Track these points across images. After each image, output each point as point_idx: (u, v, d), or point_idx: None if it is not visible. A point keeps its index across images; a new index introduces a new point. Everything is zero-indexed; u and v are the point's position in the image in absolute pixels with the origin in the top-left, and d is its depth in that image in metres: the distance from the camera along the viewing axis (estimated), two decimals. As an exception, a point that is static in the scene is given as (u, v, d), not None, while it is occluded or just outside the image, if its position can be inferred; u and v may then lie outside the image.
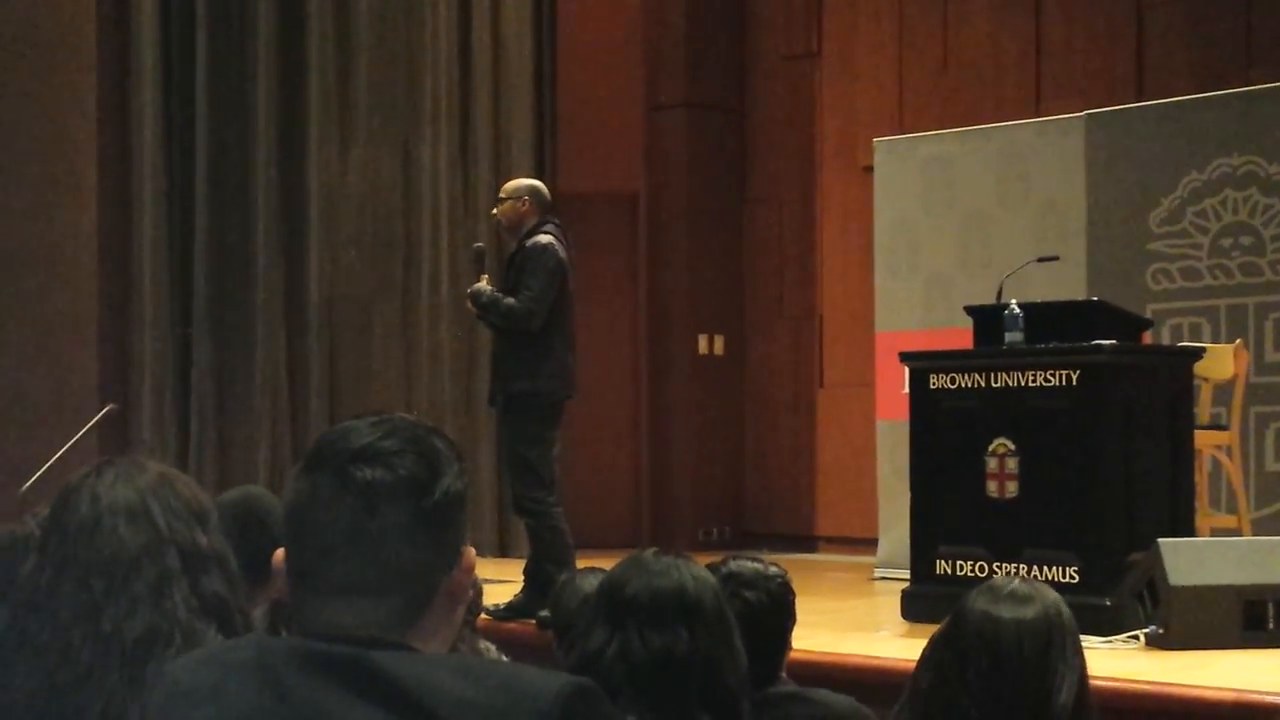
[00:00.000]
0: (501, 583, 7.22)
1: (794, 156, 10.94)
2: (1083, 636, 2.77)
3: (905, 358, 6.99)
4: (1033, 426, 6.25)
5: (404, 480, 1.74)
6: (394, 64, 10.85)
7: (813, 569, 9.27)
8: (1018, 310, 6.42)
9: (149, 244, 10.88)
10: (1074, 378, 6.15)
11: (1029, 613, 2.63)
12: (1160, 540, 5.75)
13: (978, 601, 2.69)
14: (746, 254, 11.20)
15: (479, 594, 4.91)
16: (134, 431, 10.69)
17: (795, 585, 3.40)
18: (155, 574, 2.07)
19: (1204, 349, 7.04)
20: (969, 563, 6.38)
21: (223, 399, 10.91)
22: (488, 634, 4.92)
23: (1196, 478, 6.75)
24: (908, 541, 6.78)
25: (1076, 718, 2.59)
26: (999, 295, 6.97)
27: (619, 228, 11.08)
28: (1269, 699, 4.68)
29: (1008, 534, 6.28)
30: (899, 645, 5.90)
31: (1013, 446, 6.30)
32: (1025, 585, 2.71)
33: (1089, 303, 6.85)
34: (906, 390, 6.94)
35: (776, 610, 3.29)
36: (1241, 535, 7.01)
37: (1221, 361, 7.28)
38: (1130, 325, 6.70)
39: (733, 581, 3.20)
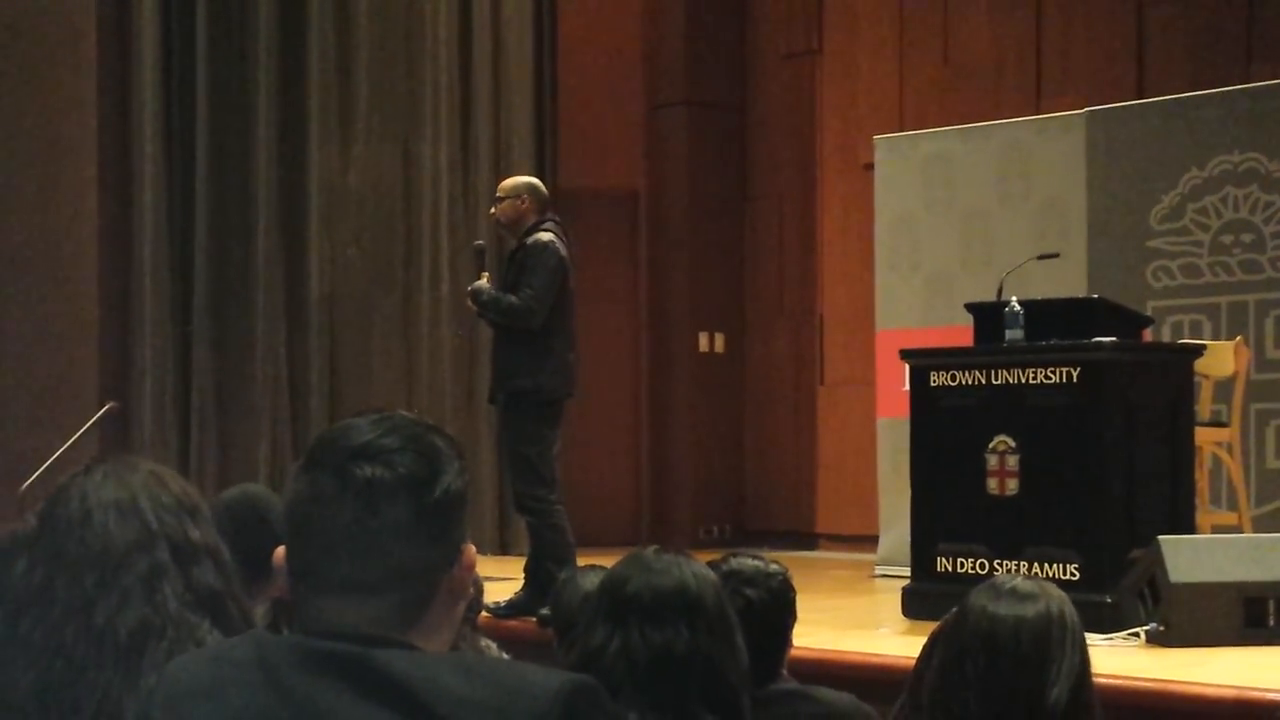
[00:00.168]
0: (502, 580, 7.22)
1: (794, 154, 10.94)
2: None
3: (906, 355, 6.99)
4: (1033, 424, 6.25)
5: (404, 478, 1.74)
6: (394, 62, 10.84)
7: (813, 566, 9.27)
8: (1018, 308, 6.42)
9: (149, 242, 10.87)
10: (1074, 375, 6.16)
11: (1029, 611, 2.63)
12: (1161, 537, 5.75)
13: (980, 598, 2.69)
14: (747, 252, 11.20)
15: (480, 592, 4.91)
16: (134, 430, 10.69)
17: (796, 583, 3.40)
18: (146, 567, 2.07)
19: (1204, 346, 7.04)
20: (969, 560, 6.38)
21: (223, 397, 10.90)
22: (489, 632, 4.91)
23: (1197, 475, 6.75)
24: (908, 539, 6.79)
25: (1073, 716, 2.59)
26: (999, 293, 6.97)
27: (619, 226, 11.08)
28: (1269, 696, 4.68)
29: (1008, 531, 6.28)
30: (899, 643, 5.90)
31: (1013, 444, 6.30)
32: (1030, 583, 2.71)
33: (1089, 300, 6.85)
34: (907, 388, 6.94)
35: (777, 608, 3.29)
36: (1242, 532, 7.01)
37: (1222, 359, 7.28)
38: (1131, 322, 6.70)
39: (733, 579, 3.20)
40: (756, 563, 3.35)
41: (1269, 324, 8.01)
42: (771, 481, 10.97)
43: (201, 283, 10.91)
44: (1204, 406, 7.19)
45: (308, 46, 10.89)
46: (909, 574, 6.78)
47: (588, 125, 10.87)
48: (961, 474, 6.43)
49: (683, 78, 11.06)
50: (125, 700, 1.99)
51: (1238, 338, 7.60)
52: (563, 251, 6.96)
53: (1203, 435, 6.90)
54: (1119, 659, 5.25)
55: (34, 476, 8.27)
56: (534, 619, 6.49)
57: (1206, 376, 7.23)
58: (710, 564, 2.92)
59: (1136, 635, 5.72)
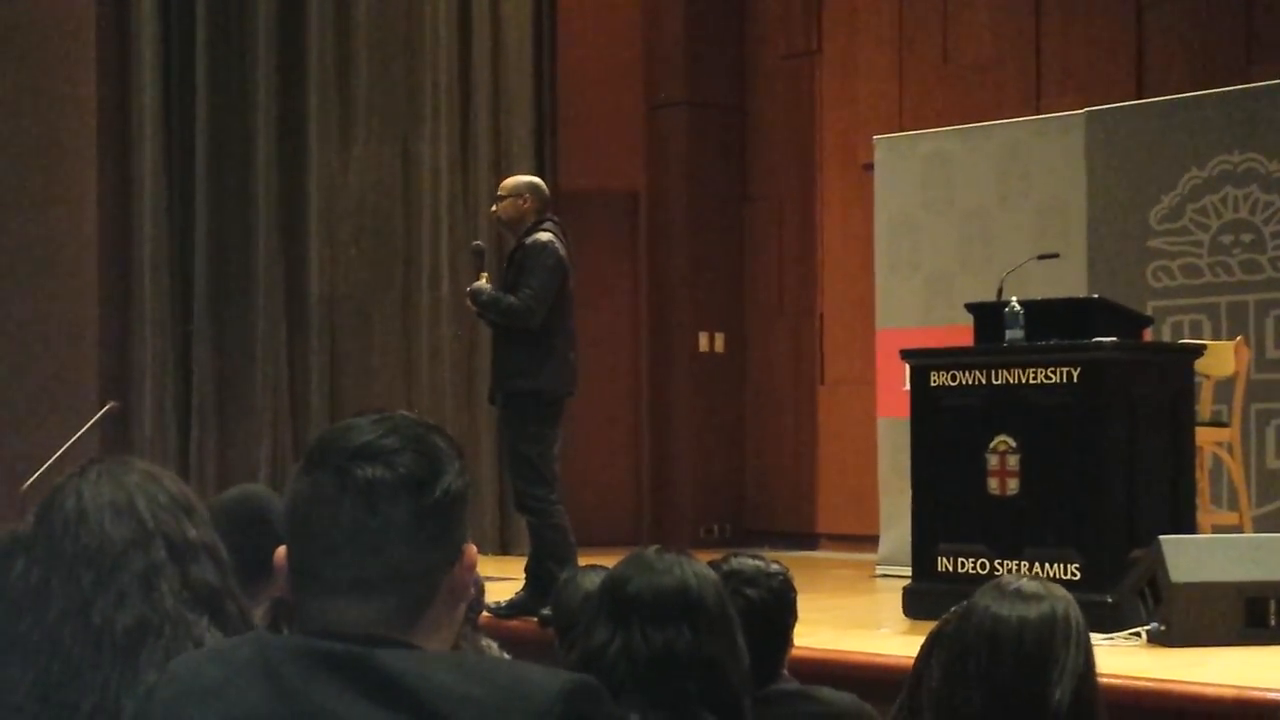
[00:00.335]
0: (503, 580, 7.22)
1: (794, 154, 10.94)
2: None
3: (906, 355, 6.99)
4: (1034, 424, 6.25)
5: (404, 478, 1.74)
6: (394, 62, 10.85)
7: (814, 566, 9.26)
8: (1018, 307, 6.42)
9: (149, 243, 10.88)
10: (1075, 375, 6.16)
11: (1032, 611, 2.63)
12: (1161, 537, 5.75)
13: (984, 598, 2.69)
14: (747, 252, 11.20)
15: (481, 592, 4.90)
16: (135, 429, 10.69)
17: (796, 582, 3.40)
18: (142, 565, 2.07)
19: (1205, 346, 7.04)
20: (970, 560, 6.38)
21: (223, 397, 10.91)
22: (490, 632, 4.91)
23: (1197, 475, 6.75)
24: (909, 539, 6.79)
25: (1076, 716, 2.59)
26: (999, 293, 6.97)
27: (619, 226, 11.08)
28: (1270, 696, 4.68)
29: (1009, 531, 6.28)
30: (900, 643, 5.90)
31: (1014, 444, 6.30)
32: (1035, 584, 2.71)
33: (1089, 300, 6.85)
34: (907, 387, 6.94)
35: (778, 608, 3.29)
36: (1243, 532, 7.01)
37: (1222, 358, 7.28)
38: (1131, 322, 6.70)
39: (734, 579, 3.20)
40: (757, 562, 3.35)
41: (1269, 324, 8.00)
42: (772, 481, 10.97)
43: (201, 283, 10.92)
44: (1204, 406, 7.19)
45: (307, 47, 10.90)
46: (909, 574, 6.78)
47: (587, 125, 10.87)
48: (962, 474, 6.43)
49: (682, 78, 11.06)
50: (123, 698, 1.99)
51: (1238, 338, 7.60)
52: (561, 251, 6.96)
53: (1203, 435, 6.90)
54: (1120, 659, 5.25)
55: (35, 476, 8.28)
56: (535, 619, 6.49)
57: (1207, 376, 7.23)
58: (711, 564, 2.92)
59: (1137, 635, 5.72)
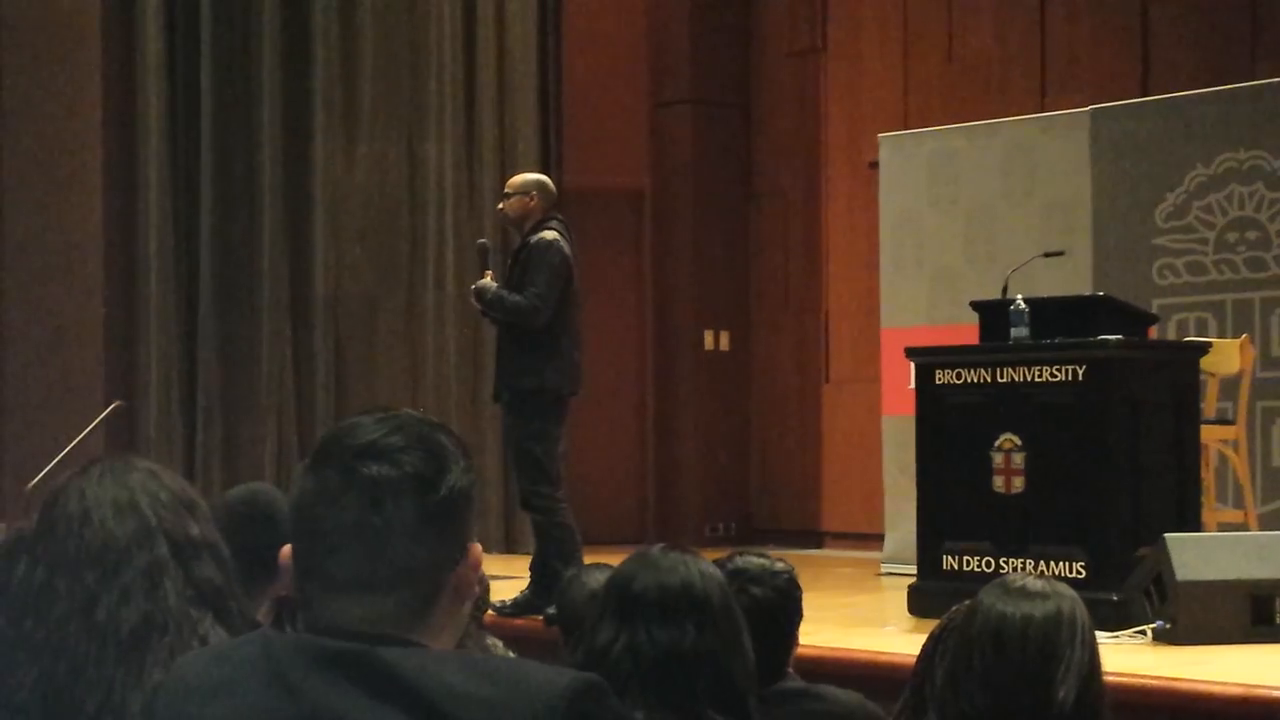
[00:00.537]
0: (508, 579, 7.23)
1: (799, 152, 10.94)
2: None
3: (911, 353, 6.99)
4: (1039, 422, 6.25)
5: (410, 476, 1.74)
6: (399, 60, 10.84)
7: (819, 564, 9.26)
8: (1023, 305, 6.41)
9: (155, 241, 10.87)
10: (1080, 373, 6.15)
11: (1038, 610, 2.63)
12: (1167, 535, 5.75)
13: (990, 596, 2.69)
14: (752, 250, 11.20)
15: (486, 590, 4.91)
16: (140, 428, 10.69)
17: (802, 581, 3.40)
18: (146, 563, 2.07)
19: (1210, 344, 7.04)
20: (975, 558, 6.38)
21: (229, 396, 10.90)
22: (495, 630, 4.92)
23: (1203, 473, 6.75)
24: (914, 537, 6.78)
25: (1081, 714, 2.59)
26: (1005, 291, 6.97)
27: (624, 224, 11.08)
28: (1276, 694, 4.68)
29: (1014, 529, 6.28)
30: (905, 641, 5.89)
31: (1019, 442, 6.30)
32: (1041, 582, 2.71)
33: (1095, 298, 6.84)
34: (912, 386, 6.94)
35: (783, 606, 3.29)
36: (1248, 530, 7.00)
37: (1228, 356, 7.27)
38: (1136, 320, 6.69)
39: (739, 577, 3.20)
40: (762, 561, 3.35)
41: (1274, 321, 8.00)
42: (777, 479, 10.97)
43: (206, 282, 10.91)
44: (1209, 404, 7.18)
45: (312, 45, 10.89)
46: (915, 572, 6.78)
47: (593, 123, 10.87)
48: (967, 472, 6.43)
49: (687, 76, 11.06)
50: (129, 696, 1.99)
51: (1243, 335, 7.59)
52: (567, 250, 6.96)
53: (1208, 433, 6.90)
54: (1125, 657, 5.25)
55: (41, 475, 8.28)
56: (540, 617, 6.49)
57: (1212, 374, 7.23)
58: (716, 562, 2.92)
59: (1143, 633, 5.72)
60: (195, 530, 2.15)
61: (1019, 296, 6.52)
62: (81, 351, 10.61)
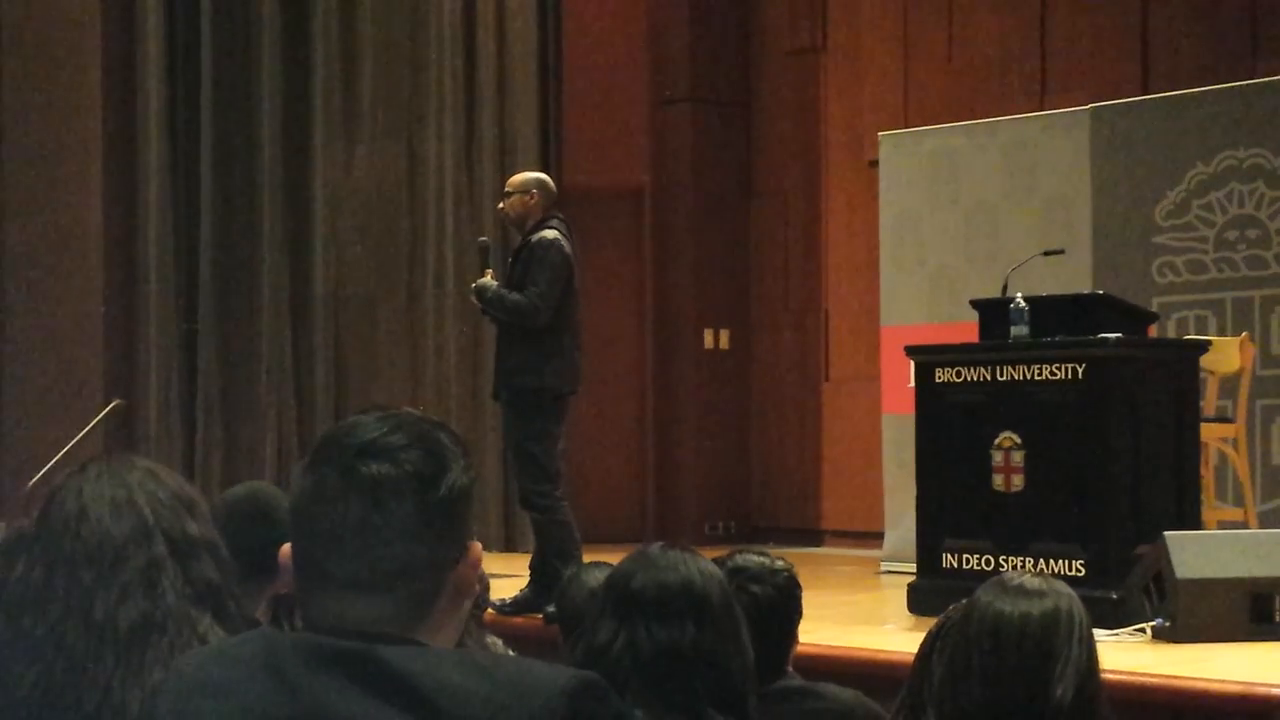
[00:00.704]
0: (508, 577, 7.23)
1: (799, 151, 10.94)
2: (1089, 630, 2.77)
3: (911, 351, 6.99)
4: (1039, 420, 6.25)
5: (410, 475, 1.74)
6: (399, 59, 10.85)
7: (819, 563, 9.27)
8: (1023, 304, 6.41)
9: (154, 240, 10.89)
10: (1080, 371, 6.15)
11: (1035, 607, 2.63)
12: (1167, 533, 5.75)
13: (987, 594, 2.69)
14: (752, 248, 11.20)
15: (485, 589, 4.91)
16: (140, 427, 10.71)
17: (801, 579, 3.40)
18: (144, 561, 2.07)
19: (1210, 342, 7.04)
20: (975, 556, 6.38)
21: (228, 394, 10.92)
22: (494, 629, 4.92)
23: (1202, 471, 6.75)
24: (914, 535, 6.78)
25: (1079, 711, 2.59)
26: (1004, 289, 6.97)
27: (624, 223, 11.08)
28: (1275, 692, 4.68)
29: (1014, 528, 6.28)
30: (905, 639, 5.89)
31: (1019, 440, 6.30)
32: (1038, 580, 2.71)
33: (1094, 296, 6.84)
34: (912, 384, 6.94)
35: (783, 604, 3.29)
36: (1248, 528, 7.00)
37: (1227, 354, 7.27)
38: (1136, 318, 6.69)
39: (739, 576, 3.20)
40: (762, 559, 3.35)
41: (1274, 320, 7.99)
42: (777, 478, 10.97)
43: (206, 280, 10.93)
44: (1209, 403, 7.18)
45: (312, 44, 10.90)
46: (914, 570, 6.78)
47: (592, 122, 10.86)
48: (967, 470, 6.43)
49: (687, 74, 11.06)
50: (128, 695, 1.99)
51: (1243, 334, 7.59)
52: (567, 249, 6.96)
53: (1208, 431, 6.90)
54: (1125, 655, 5.25)
55: (40, 473, 8.28)
56: (540, 616, 6.50)
57: (1212, 373, 7.23)
58: (716, 560, 2.92)
59: (1142, 631, 5.72)
60: (194, 529, 2.15)
61: (1019, 295, 6.52)
62: (81, 350, 10.61)
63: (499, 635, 4.47)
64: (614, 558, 3.01)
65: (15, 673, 2.03)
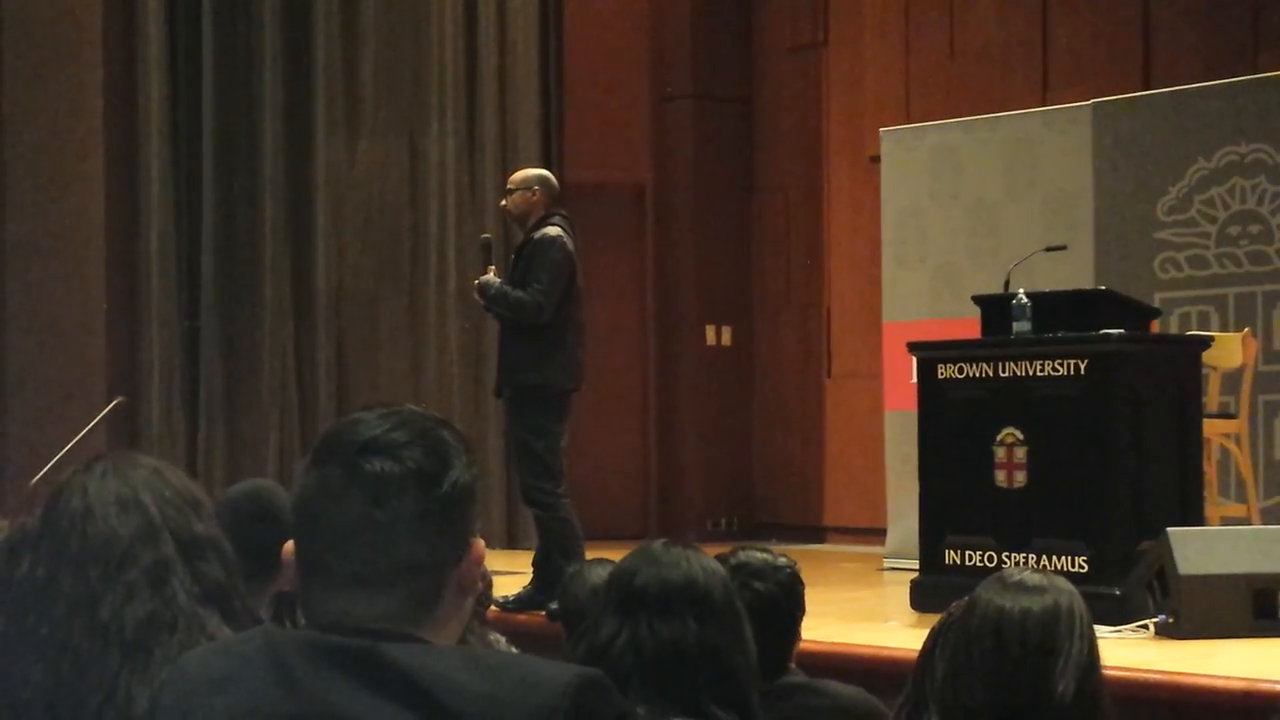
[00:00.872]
0: (511, 574, 7.23)
1: (801, 147, 10.93)
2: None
3: (913, 348, 6.99)
4: (1041, 416, 6.25)
5: (412, 472, 1.74)
6: (400, 56, 10.84)
7: (821, 559, 9.27)
8: (1025, 300, 6.41)
9: (156, 236, 10.88)
10: (1082, 367, 6.15)
11: (1036, 603, 2.63)
12: (1169, 529, 5.75)
13: (988, 590, 2.69)
14: (754, 245, 11.20)
15: (488, 586, 4.92)
16: (142, 425, 10.71)
17: (804, 576, 3.40)
18: (151, 560, 2.07)
19: (1212, 338, 7.04)
20: (978, 553, 6.38)
21: (231, 391, 10.92)
22: (497, 626, 4.92)
23: (1205, 467, 6.74)
24: (916, 532, 6.78)
25: (1080, 707, 2.59)
26: (1006, 285, 6.96)
27: (626, 219, 11.08)
28: (1278, 688, 4.68)
29: (1016, 524, 6.28)
30: (907, 636, 5.90)
31: (1021, 436, 6.30)
32: (1038, 576, 2.71)
33: (1097, 292, 6.85)
34: (914, 380, 6.94)
35: (786, 601, 3.29)
36: (1251, 524, 7.00)
37: (1230, 350, 7.27)
38: (1138, 314, 6.69)
39: (742, 572, 3.20)
40: (765, 556, 3.35)
41: (1277, 315, 7.99)
42: (779, 475, 10.97)
43: (208, 278, 10.93)
44: (1212, 398, 7.18)
45: (314, 40, 10.90)
46: (917, 567, 6.78)
47: (594, 118, 10.86)
48: (969, 466, 6.43)
49: (689, 71, 11.05)
50: (135, 694, 1.99)
51: (1245, 329, 7.59)
52: (570, 246, 6.96)
53: (1211, 427, 6.90)
54: (1128, 651, 5.26)
55: (43, 471, 8.28)
56: (542, 613, 6.50)
57: (1214, 368, 7.23)
58: (718, 557, 2.92)
59: (1145, 627, 5.72)
60: (200, 528, 2.15)
61: (1021, 290, 6.51)
62: (83, 349, 10.61)
63: (502, 632, 4.47)
64: (616, 555, 3.01)
65: (20, 672, 2.02)
